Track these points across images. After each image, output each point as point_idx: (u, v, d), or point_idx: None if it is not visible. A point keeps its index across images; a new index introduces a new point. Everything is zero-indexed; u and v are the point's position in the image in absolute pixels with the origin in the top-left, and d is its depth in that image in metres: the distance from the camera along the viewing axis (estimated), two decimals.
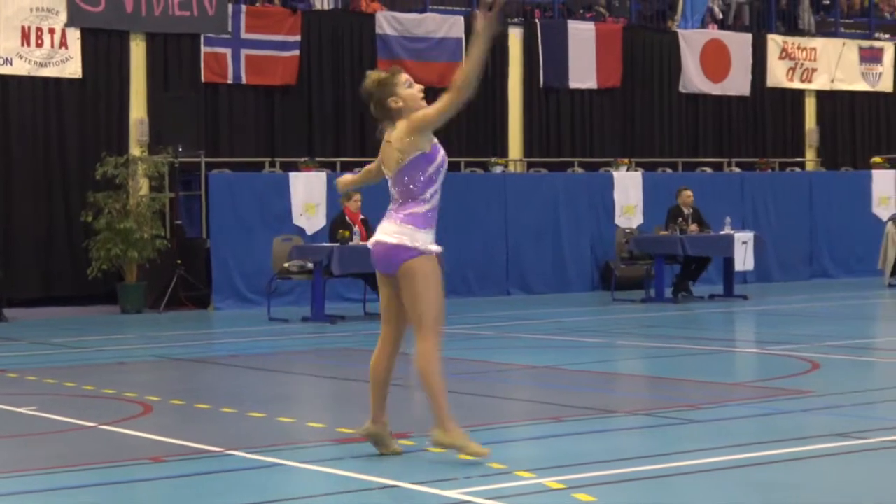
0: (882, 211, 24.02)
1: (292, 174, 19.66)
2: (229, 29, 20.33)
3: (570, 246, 21.51)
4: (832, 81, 26.24)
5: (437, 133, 7.63)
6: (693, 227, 19.48)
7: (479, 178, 21.28)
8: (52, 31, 19.18)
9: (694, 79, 24.55)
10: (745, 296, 19.53)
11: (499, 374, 11.74)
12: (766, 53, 25.43)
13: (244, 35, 20.49)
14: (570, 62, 23.17)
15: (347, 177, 8.26)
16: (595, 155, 23.36)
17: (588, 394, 10.44)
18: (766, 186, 23.44)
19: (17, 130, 19.10)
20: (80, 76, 19.39)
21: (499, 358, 12.81)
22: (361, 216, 17.22)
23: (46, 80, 19.25)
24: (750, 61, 25.16)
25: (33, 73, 19.12)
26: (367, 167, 8.06)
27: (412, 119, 7.44)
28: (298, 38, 20.92)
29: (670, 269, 19.78)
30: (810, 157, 26.03)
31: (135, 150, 19.61)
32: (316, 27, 21.25)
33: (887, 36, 27.52)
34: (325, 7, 21.71)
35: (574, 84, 23.33)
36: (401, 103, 7.49)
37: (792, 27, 26.23)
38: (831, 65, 26.16)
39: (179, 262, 19.08)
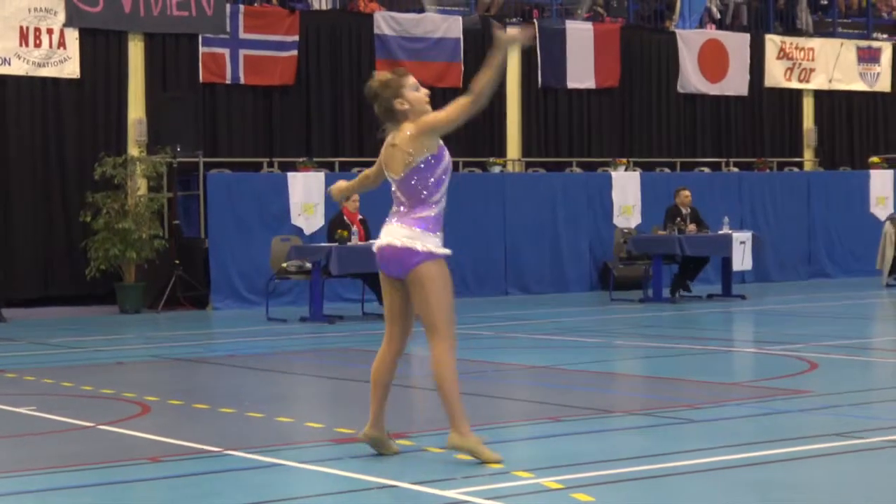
0: (880, 210, 24.04)
1: (290, 174, 19.66)
2: (227, 29, 20.33)
3: (568, 246, 21.52)
4: (830, 81, 26.25)
5: None
6: (691, 227, 19.48)
7: (478, 178, 21.29)
8: (50, 31, 19.17)
9: (692, 79, 24.56)
10: (744, 295, 19.54)
11: (497, 374, 11.74)
12: (764, 53, 25.44)
13: (242, 35, 20.49)
14: (568, 62, 23.17)
15: (341, 184, 8.14)
16: (593, 155, 23.37)
17: (586, 394, 10.45)
18: (765, 186, 23.46)
19: (15, 131, 19.09)
20: (79, 76, 19.38)
21: (497, 358, 12.81)
22: (360, 216, 17.24)
23: (45, 81, 19.24)
24: (748, 61, 25.17)
25: (31, 74, 19.11)
26: (365, 173, 7.96)
27: (422, 122, 7.38)
28: (296, 38, 20.92)
29: (668, 269, 19.79)
30: (808, 156, 26.05)
31: (133, 151, 19.61)
32: (314, 27, 21.25)
33: (885, 36, 27.54)
34: (324, 7, 21.72)
35: (572, 84, 23.34)
36: (407, 106, 7.44)
37: (790, 27, 26.24)
38: (829, 65, 26.17)
39: (178, 262, 19.08)
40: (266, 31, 20.67)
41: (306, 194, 19.53)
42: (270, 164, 20.32)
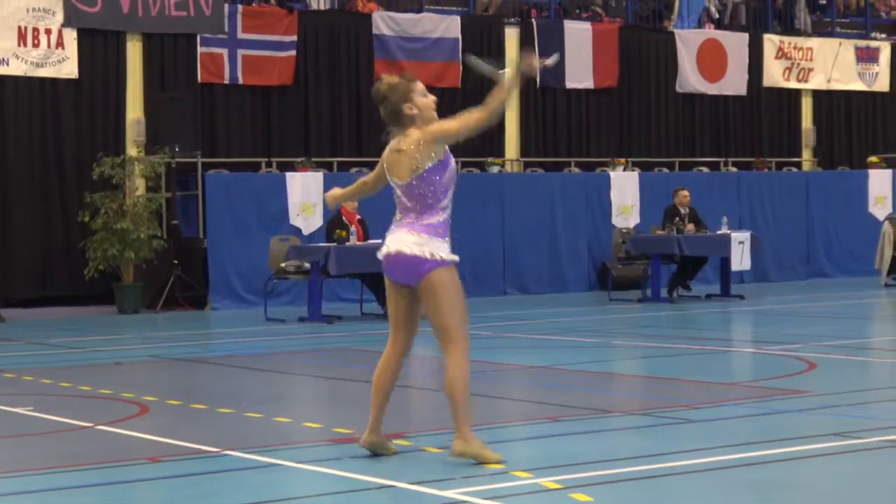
0: (878, 210, 24.05)
1: (289, 174, 19.66)
2: (226, 29, 20.33)
3: (566, 246, 21.52)
4: (829, 81, 26.25)
5: None
6: (690, 227, 19.48)
7: (476, 178, 21.28)
8: (48, 31, 19.16)
9: (690, 78, 24.56)
10: (742, 295, 19.55)
11: (495, 374, 11.74)
12: (763, 53, 25.44)
13: (240, 35, 20.48)
14: (566, 62, 23.15)
15: (336, 191, 8.05)
16: (592, 155, 23.37)
17: (585, 394, 10.45)
18: (763, 186, 23.47)
19: (13, 131, 19.07)
20: (77, 76, 19.37)
21: (495, 358, 12.80)
22: (358, 216, 17.23)
23: (43, 81, 19.23)
24: (746, 61, 25.17)
25: (30, 74, 19.10)
26: (362, 179, 7.90)
27: (431, 131, 7.34)
28: (295, 38, 20.91)
29: (667, 268, 19.78)
30: (807, 156, 26.05)
31: (131, 151, 19.60)
32: (312, 27, 21.24)
33: (883, 35, 27.54)
34: (322, 7, 21.71)
35: (571, 84, 23.33)
36: (415, 111, 7.39)
37: (788, 27, 26.25)
38: (828, 64, 26.17)
39: (176, 262, 19.07)
40: (264, 32, 20.66)
41: (305, 194, 19.53)
42: (269, 165, 20.31)
